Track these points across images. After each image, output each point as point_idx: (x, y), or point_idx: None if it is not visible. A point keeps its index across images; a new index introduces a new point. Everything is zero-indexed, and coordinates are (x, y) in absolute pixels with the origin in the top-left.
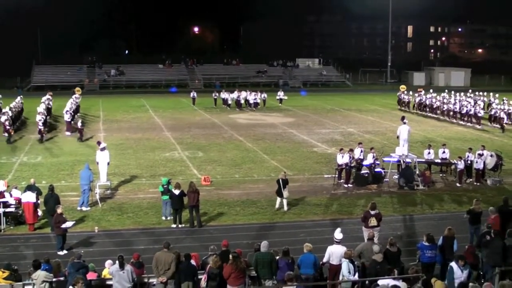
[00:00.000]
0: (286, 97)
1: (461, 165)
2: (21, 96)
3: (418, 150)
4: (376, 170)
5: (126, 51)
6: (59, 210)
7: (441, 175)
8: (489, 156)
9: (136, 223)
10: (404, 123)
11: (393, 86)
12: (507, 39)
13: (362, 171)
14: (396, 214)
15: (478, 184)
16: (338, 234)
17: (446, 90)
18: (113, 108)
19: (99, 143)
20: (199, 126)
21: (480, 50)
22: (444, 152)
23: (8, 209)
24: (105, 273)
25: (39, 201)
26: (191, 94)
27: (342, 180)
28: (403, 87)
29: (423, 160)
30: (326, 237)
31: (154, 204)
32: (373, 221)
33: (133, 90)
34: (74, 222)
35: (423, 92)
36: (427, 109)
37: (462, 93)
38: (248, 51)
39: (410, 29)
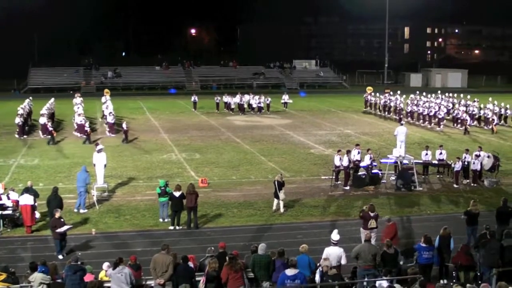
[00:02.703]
0: (291, 101)
1: (458, 166)
2: (54, 98)
3: (415, 151)
4: (373, 171)
5: (123, 53)
6: (57, 214)
7: (438, 176)
8: (486, 157)
9: (133, 225)
10: (401, 124)
11: (390, 87)
12: (503, 40)
13: (360, 173)
14: (393, 216)
15: (475, 185)
16: (335, 236)
17: (418, 92)
18: None
19: (96, 145)
20: (196, 128)
21: (476, 51)
22: (441, 153)
23: (5, 212)
24: (102, 275)
25: (36, 204)
26: (192, 98)
27: (339, 182)
28: (369, 89)
29: (421, 161)
30: (323, 239)
31: (151, 206)
32: (373, 223)
33: (130, 92)
34: (70, 226)
35: (389, 93)
36: (392, 111)
37: (434, 95)
38: (245, 52)
39: (406, 30)
